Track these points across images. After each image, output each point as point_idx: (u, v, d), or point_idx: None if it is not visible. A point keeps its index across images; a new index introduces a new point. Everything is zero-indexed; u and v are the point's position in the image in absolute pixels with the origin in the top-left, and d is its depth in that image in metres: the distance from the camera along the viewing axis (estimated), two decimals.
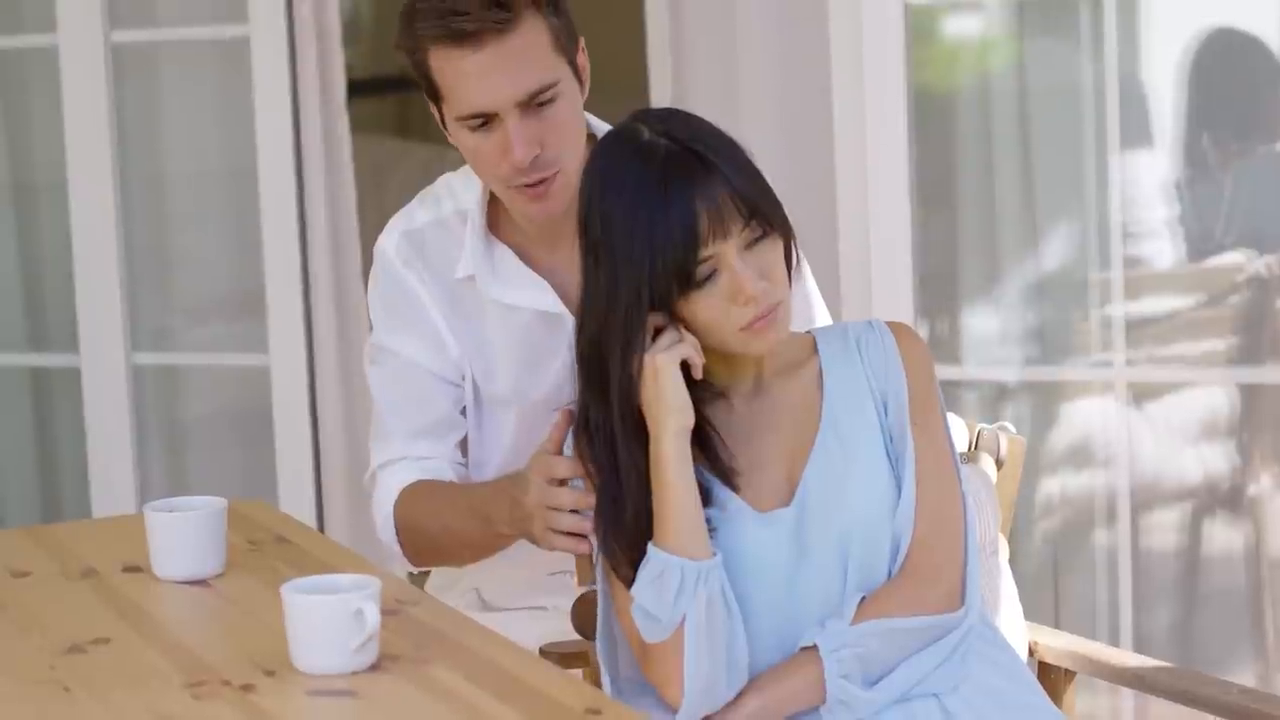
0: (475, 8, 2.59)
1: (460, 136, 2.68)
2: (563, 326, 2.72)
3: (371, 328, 2.87)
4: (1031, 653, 2.79)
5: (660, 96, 4.12)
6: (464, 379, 2.82)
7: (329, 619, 2.11)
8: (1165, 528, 4.04)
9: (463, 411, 2.83)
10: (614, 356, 2.32)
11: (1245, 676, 3.95)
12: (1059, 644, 2.79)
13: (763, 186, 2.33)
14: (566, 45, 2.66)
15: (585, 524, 2.41)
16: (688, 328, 2.32)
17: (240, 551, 2.62)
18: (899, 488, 2.39)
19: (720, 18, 4.09)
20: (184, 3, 4.66)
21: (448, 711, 2.00)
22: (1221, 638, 4.03)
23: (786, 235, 2.35)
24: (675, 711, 2.32)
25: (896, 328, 2.48)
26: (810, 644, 2.34)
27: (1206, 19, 3.95)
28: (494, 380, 2.81)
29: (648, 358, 2.31)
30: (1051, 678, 2.77)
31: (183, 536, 2.52)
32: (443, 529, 2.72)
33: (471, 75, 2.61)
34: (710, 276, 2.29)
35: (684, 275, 2.28)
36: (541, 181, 2.66)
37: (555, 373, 2.72)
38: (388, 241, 2.84)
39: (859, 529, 2.38)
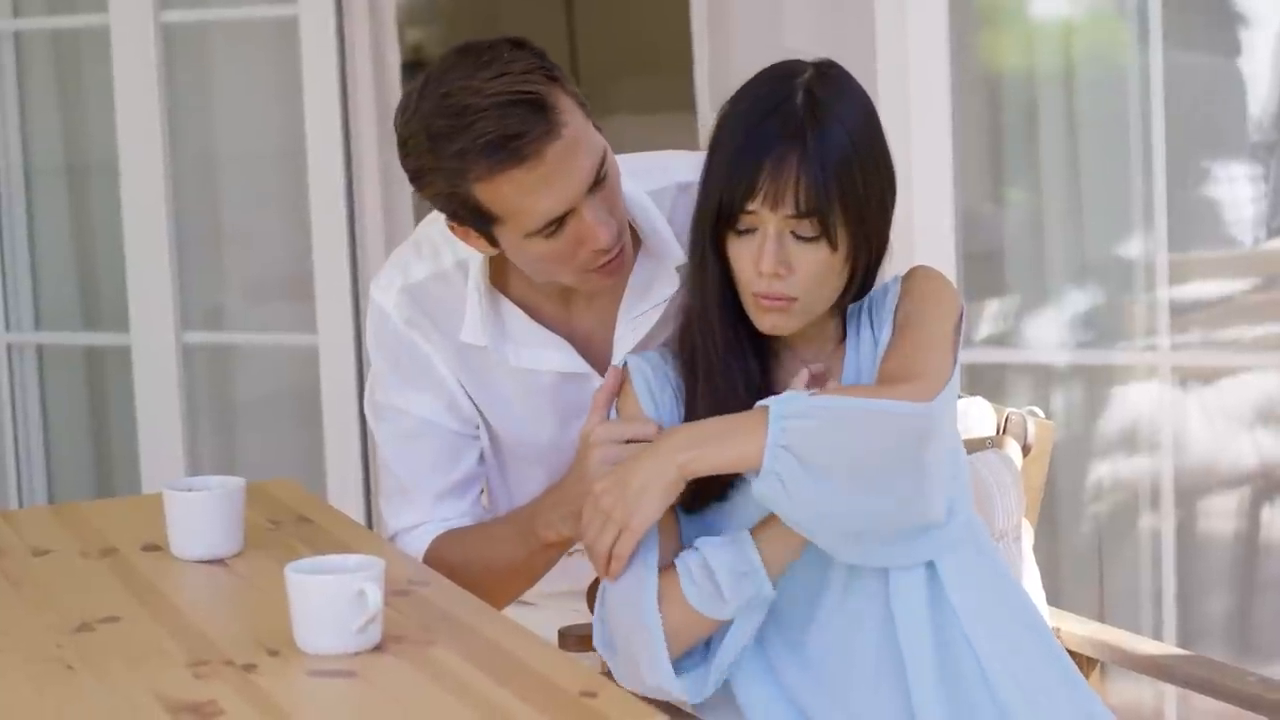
0: (529, 123, 2.38)
1: (528, 249, 2.48)
2: (588, 386, 2.62)
3: (373, 379, 2.73)
4: None
5: (699, 75, 4.10)
6: (479, 428, 2.70)
7: (331, 599, 2.11)
8: (1215, 514, 4.01)
9: (480, 459, 2.73)
10: (694, 250, 2.35)
11: None
12: (1082, 631, 2.76)
13: (848, 202, 2.26)
14: (588, 107, 2.49)
15: None
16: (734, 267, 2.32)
17: (260, 531, 2.63)
18: None
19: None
20: None
21: (443, 693, 1.99)
22: (1276, 626, 3.99)
23: (852, 260, 2.31)
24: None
25: (909, 273, 2.43)
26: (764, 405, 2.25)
27: None
28: (520, 440, 2.69)
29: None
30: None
31: (199, 516, 2.52)
32: (483, 568, 2.61)
33: (538, 188, 2.41)
34: (749, 231, 2.28)
35: (728, 212, 2.28)
36: (621, 250, 2.52)
37: None
38: (385, 299, 2.67)
39: None
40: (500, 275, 2.64)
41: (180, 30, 4.62)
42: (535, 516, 2.57)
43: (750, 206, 2.26)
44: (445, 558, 2.63)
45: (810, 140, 2.24)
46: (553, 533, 2.55)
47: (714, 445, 2.24)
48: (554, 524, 2.54)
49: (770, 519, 2.29)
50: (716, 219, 2.29)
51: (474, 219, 2.48)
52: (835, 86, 2.31)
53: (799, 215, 2.25)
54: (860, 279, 2.34)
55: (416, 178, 2.48)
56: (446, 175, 2.43)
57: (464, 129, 2.39)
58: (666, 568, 2.32)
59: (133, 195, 4.62)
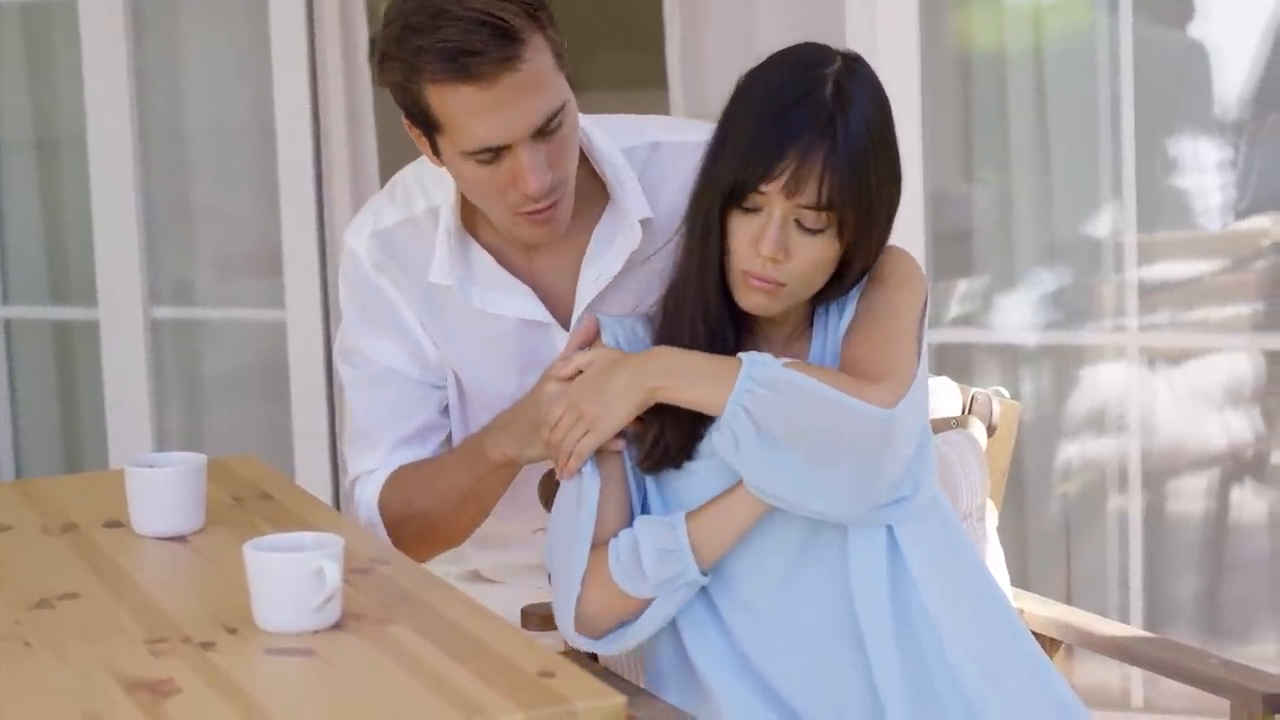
0: (489, 45, 2.42)
1: (462, 168, 2.52)
2: (549, 336, 2.65)
3: (343, 324, 2.76)
4: None
5: (671, 52, 4.08)
6: (445, 379, 2.72)
7: (289, 577, 2.10)
8: (1183, 495, 4.02)
9: (444, 409, 2.75)
10: (695, 220, 2.33)
11: (1267, 646, 3.92)
12: (1046, 613, 2.76)
13: (862, 199, 2.26)
14: (564, 59, 2.51)
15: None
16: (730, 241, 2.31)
17: (222, 507, 2.61)
18: None
19: None
20: None
21: (401, 672, 1.98)
22: (1243, 608, 4.00)
23: (849, 256, 2.31)
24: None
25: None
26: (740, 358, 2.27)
27: None
28: (483, 388, 2.71)
29: None
30: None
31: (160, 493, 2.51)
32: (435, 496, 2.65)
33: (481, 111, 2.45)
34: (754, 209, 2.27)
35: (740, 191, 2.26)
36: (552, 205, 2.54)
37: None
38: (356, 243, 2.71)
39: None
40: (471, 220, 2.66)
41: (149, 4, 4.59)
42: (484, 437, 2.60)
43: (764, 189, 2.25)
44: (398, 492, 2.68)
45: (839, 134, 2.23)
46: (499, 452, 2.57)
47: (686, 380, 2.29)
48: (501, 443, 2.56)
49: (708, 505, 2.33)
50: (727, 196, 2.28)
51: (421, 120, 2.52)
52: (861, 80, 2.29)
53: (815, 208, 2.25)
54: (852, 276, 2.35)
55: (381, 62, 2.53)
56: (404, 68, 2.48)
57: (432, 30, 2.44)
58: (599, 545, 2.35)
59: (101, 170, 4.60)
